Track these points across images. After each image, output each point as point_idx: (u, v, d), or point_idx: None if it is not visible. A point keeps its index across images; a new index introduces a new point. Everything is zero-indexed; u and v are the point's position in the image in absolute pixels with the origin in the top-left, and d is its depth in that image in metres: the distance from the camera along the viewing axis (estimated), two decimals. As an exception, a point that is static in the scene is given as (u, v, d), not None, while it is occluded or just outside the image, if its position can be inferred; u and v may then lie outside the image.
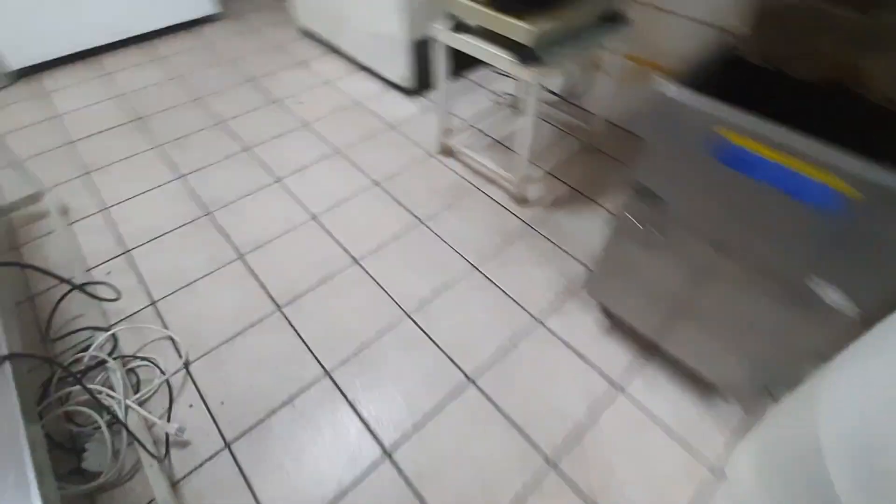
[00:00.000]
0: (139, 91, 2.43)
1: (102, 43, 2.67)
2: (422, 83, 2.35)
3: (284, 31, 2.93)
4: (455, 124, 2.13)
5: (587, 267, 1.60)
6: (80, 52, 2.65)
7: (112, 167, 2.00)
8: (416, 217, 1.77)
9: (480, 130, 2.17)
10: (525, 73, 1.42)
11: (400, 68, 2.27)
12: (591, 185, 1.90)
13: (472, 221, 1.76)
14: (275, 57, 2.69)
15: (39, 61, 2.53)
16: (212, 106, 2.33)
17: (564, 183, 1.91)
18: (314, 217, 1.77)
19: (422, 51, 2.21)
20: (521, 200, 1.82)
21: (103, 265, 1.62)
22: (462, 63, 2.48)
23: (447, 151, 2.03)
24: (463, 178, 1.94)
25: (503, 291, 1.54)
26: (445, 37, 1.61)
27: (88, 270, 1.59)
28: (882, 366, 0.51)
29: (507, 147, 2.08)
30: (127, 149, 2.08)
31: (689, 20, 1.70)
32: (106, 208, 1.82)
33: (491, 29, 1.45)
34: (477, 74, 2.53)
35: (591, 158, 2.01)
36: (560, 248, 1.67)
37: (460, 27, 1.56)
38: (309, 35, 2.86)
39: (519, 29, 1.35)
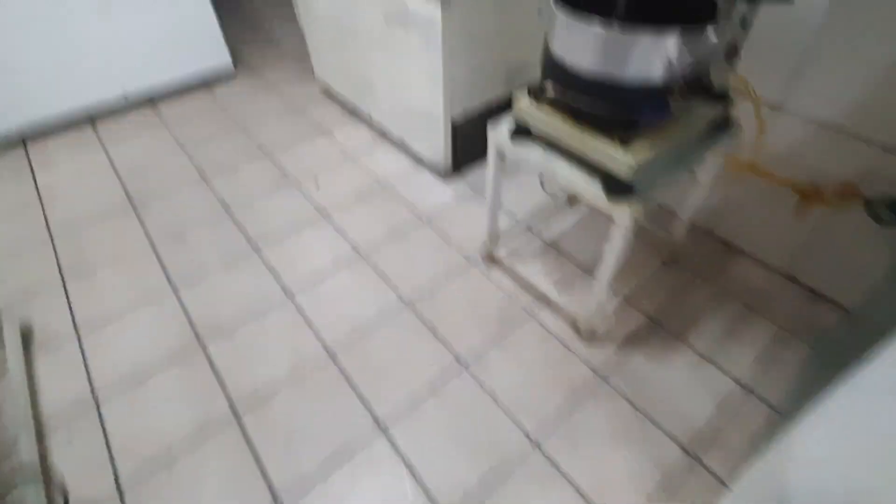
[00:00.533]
0: (137, 167, 2.13)
1: (100, 108, 2.40)
2: (458, 164, 2.02)
3: (305, 90, 2.64)
4: (499, 221, 1.79)
5: (684, 450, 1.22)
6: (74, 120, 2.38)
7: (94, 272, 1.68)
8: (457, 360, 1.41)
9: (529, 228, 1.81)
10: (613, 209, 1.07)
11: (434, 147, 1.94)
12: (675, 314, 1.52)
13: (527, 368, 1.39)
14: (292, 123, 2.39)
15: (26, 130, 2.27)
16: (217, 187, 2.02)
17: (640, 311, 1.53)
18: (332, 357, 1.42)
19: (460, 129, 1.88)
20: (589, 336, 1.45)
21: (64, 429, 1.28)
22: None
23: (492, 260, 1.68)
24: (512, 297, 1.58)
25: (575, 488, 1.16)
26: (506, 145, 1.26)
27: (43, 437, 1.26)
28: (854, 417, 0.50)
29: (562, 253, 1.72)
30: (114, 246, 1.77)
31: (808, 122, 1.33)
32: (79, 334, 1.50)
33: (573, 151, 1.10)
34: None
35: (671, 276, 1.63)
36: (643, 414, 1.29)
37: (524, 131, 1.22)
38: (332, 96, 2.56)
39: (614, 159, 1.00)
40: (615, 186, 1.03)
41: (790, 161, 1.43)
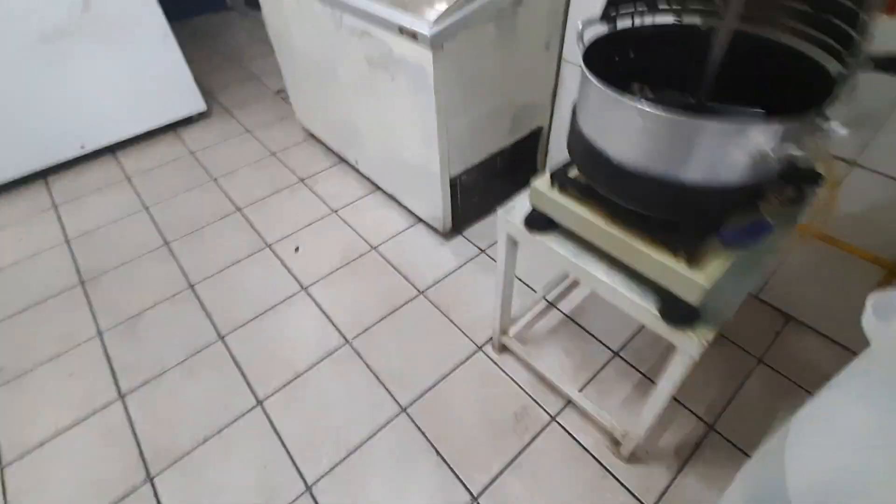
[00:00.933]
0: (92, 234, 1.87)
1: (53, 163, 2.13)
2: (460, 221, 1.75)
3: (283, 131, 2.37)
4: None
5: None
6: (26, 177, 2.12)
7: (28, 376, 1.41)
8: (467, 490, 1.13)
9: (546, 299, 1.54)
10: (675, 337, 0.79)
11: (432, 205, 1.67)
12: (734, 413, 1.23)
13: (555, 499, 1.11)
14: (270, 172, 2.13)
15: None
16: (182, 256, 1.75)
17: (689, 410, 1.25)
18: (312, 495, 1.14)
19: (461, 183, 1.61)
20: (631, 456, 1.17)
21: None
22: (499, 185, 1.90)
23: (504, 349, 1.40)
24: (529, 395, 1.30)
25: None
26: (521, 236, 0.99)
27: None
28: (848, 416, 0.51)
29: (588, 332, 1.44)
30: (58, 339, 1.50)
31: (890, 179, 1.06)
32: (2, 467, 1.22)
33: (622, 261, 0.83)
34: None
35: (724, 359, 1.35)
36: (710, 568, 1.00)
37: (545, 221, 0.94)
38: (315, 140, 2.29)
39: (677, 277, 0.73)
40: (679, 312, 0.76)
41: (871, 227, 1.15)
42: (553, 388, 1.30)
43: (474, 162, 1.61)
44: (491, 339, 1.42)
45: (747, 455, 1.16)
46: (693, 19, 0.82)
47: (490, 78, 1.44)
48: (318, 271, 1.67)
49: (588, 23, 0.78)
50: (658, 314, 0.78)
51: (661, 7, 0.81)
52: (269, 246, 1.77)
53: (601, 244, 0.83)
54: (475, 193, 1.71)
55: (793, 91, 0.67)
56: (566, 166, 0.87)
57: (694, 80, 0.77)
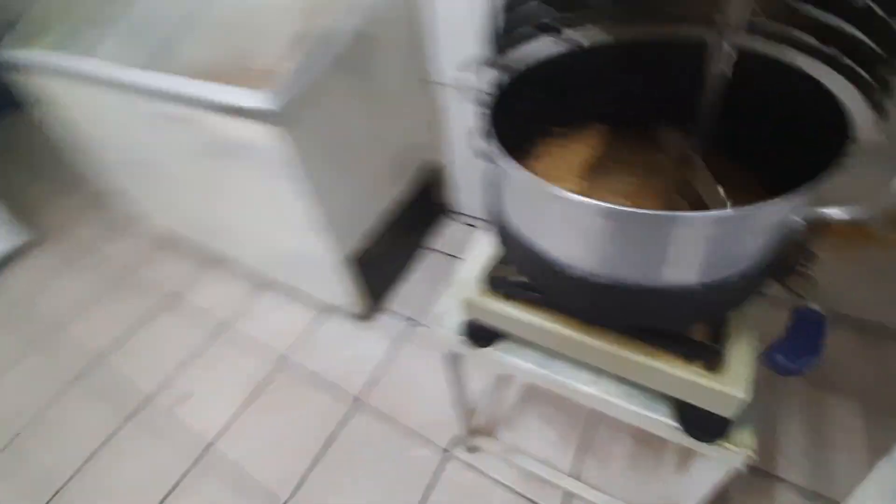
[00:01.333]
0: None
1: None
2: (376, 294, 1.47)
3: (134, 238, 1.92)
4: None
5: None
6: None
7: None
8: None
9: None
10: (704, 450, 0.58)
11: (336, 292, 1.37)
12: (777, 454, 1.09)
13: None
14: (128, 296, 1.69)
15: None
16: (26, 463, 1.29)
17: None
18: None
19: (366, 255, 1.33)
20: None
21: None
22: (407, 238, 1.66)
23: (476, 449, 1.15)
24: (525, 497, 1.06)
25: None
26: (463, 351, 0.74)
27: None
28: None
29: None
30: None
31: None
32: None
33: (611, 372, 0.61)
34: (446, 238, 1.66)
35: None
36: None
37: (489, 331, 0.70)
38: (173, 244, 1.87)
39: (698, 391, 0.52)
40: (707, 426, 0.55)
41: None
42: (547, 481, 1.07)
43: (370, 227, 1.34)
44: (458, 437, 1.16)
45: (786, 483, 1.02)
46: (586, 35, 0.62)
47: (362, 133, 1.17)
48: (222, 417, 1.30)
49: (470, 65, 0.54)
50: (678, 427, 0.57)
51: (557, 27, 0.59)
52: (142, 405, 1.37)
53: (576, 356, 0.60)
54: (383, 259, 1.44)
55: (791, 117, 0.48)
56: (502, 262, 0.63)
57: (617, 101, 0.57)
